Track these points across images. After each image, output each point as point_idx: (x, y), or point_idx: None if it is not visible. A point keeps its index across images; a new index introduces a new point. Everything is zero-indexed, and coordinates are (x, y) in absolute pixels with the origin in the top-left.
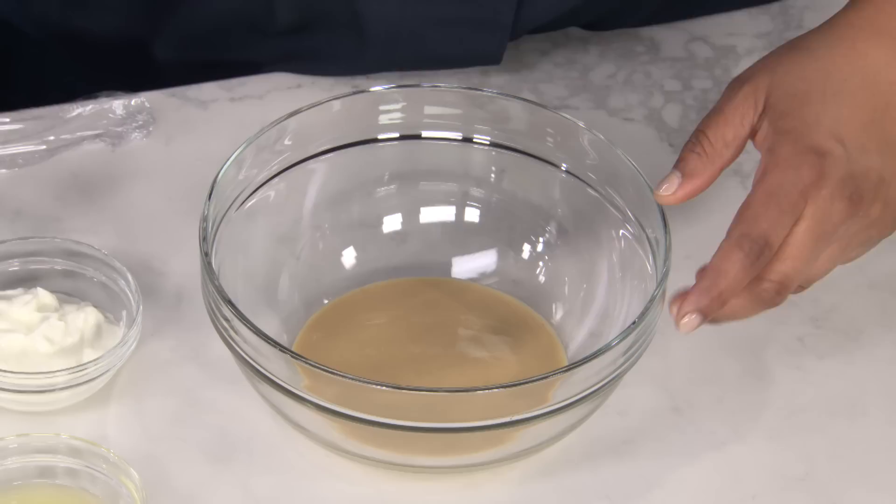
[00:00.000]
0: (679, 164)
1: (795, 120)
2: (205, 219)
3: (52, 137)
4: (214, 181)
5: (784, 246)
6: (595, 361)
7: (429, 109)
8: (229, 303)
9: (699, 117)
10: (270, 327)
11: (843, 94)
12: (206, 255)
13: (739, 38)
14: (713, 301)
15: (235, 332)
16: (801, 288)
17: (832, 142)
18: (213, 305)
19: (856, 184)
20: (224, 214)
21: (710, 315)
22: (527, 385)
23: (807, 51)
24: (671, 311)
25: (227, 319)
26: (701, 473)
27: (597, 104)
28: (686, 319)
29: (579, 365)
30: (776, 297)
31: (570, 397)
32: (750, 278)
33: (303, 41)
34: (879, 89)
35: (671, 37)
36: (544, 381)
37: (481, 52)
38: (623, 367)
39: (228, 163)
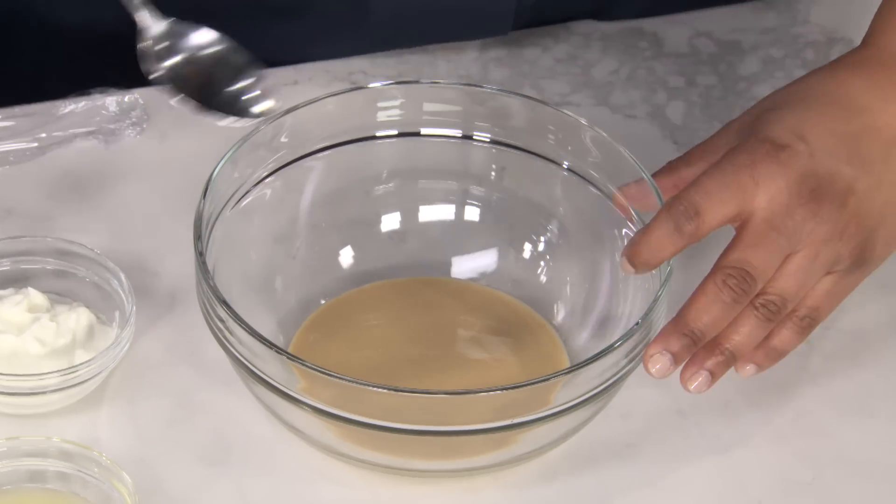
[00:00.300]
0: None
1: (758, 123)
2: (199, 217)
3: (43, 135)
4: (209, 179)
5: (739, 233)
6: (597, 363)
7: (428, 106)
8: (224, 303)
9: (704, 114)
10: (266, 328)
11: (812, 102)
12: (200, 255)
13: (744, 33)
14: (633, 256)
15: (230, 332)
16: (775, 305)
17: (793, 137)
18: (207, 306)
19: (818, 181)
20: (219, 213)
21: (633, 268)
22: (528, 387)
23: (790, 84)
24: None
25: (221, 320)
26: (705, 478)
27: (599, 101)
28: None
29: (582, 367)
30: (740, 288)
31: (573, 400)
32: (674, 247)
33: (303, 21)
34: (855, 111)
35: (675, 32)
36: (546, 383)
37: (488, 26)
38: (626, 369)
39: (223, 160)
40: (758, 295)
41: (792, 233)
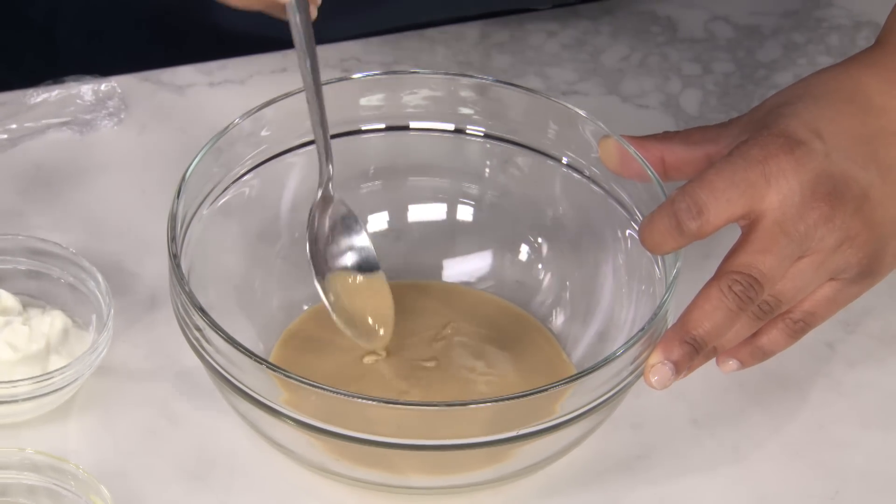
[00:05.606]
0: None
1: (771, 116)
2: (173, 217)
3: (14, 126)
4: (184, 176)
5: (748, 235)
6: (601, 371)
7: (417, 98)
8: (200, 310)
9: (720, 104)
10: (246, 336)
11: (827, 99)
12: (174, 257)
13: (764, 17)
14: (641, 240)
15: (207, 341)
16: (769, 306)
17: (809, 134)
18: (182, 312)
19: (833, 184)
20: (195, 212)
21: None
22: (527, 397)
23: (800, 80)
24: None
25: (198, 328)
26: (722, 492)
27: (609, 89)
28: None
29: (582, 376)
30: (746, 295)
31: (574, 411)
32: (676, 244)
33: None
34: (871, 111)
35: (690, 16)
36: (546, 393)
37: None
38: (630, 379)
39: (199, 156)
40: None
41: (803, 238)
